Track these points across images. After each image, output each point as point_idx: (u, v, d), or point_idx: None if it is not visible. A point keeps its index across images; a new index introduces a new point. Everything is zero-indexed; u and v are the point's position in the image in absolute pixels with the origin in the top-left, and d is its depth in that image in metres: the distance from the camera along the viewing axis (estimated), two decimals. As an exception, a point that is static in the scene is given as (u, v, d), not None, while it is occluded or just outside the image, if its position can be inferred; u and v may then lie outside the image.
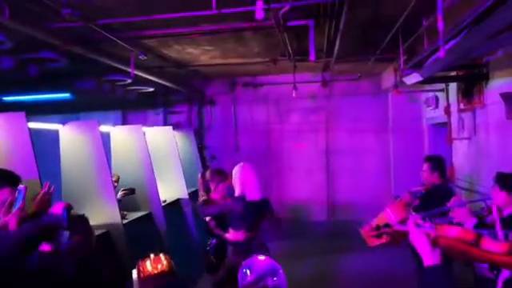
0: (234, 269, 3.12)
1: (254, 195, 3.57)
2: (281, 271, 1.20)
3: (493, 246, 1.17)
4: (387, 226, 1.69)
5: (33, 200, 2.66)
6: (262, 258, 1.23)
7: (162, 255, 2.69)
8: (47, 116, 5.71)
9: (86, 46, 4.18)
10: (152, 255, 2.70)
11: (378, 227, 1.72)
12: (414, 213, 3.13)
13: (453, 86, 5.63)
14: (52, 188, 2.76)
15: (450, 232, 1.22)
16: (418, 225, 1.34)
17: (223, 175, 4.17)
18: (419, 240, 1.34)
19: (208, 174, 4.33)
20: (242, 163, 3.75)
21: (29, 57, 4.51)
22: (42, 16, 3.51)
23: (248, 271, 1.23)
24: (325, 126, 7.94)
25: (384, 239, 1.86)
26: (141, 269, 2.40)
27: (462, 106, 5.35)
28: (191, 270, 5.65)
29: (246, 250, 3.31)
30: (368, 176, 7.80)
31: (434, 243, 1.27)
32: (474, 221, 2.46)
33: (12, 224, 2.21)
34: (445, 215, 2.59)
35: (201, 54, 5.61)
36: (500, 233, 1.73)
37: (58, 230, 2.12)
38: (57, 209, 2.18)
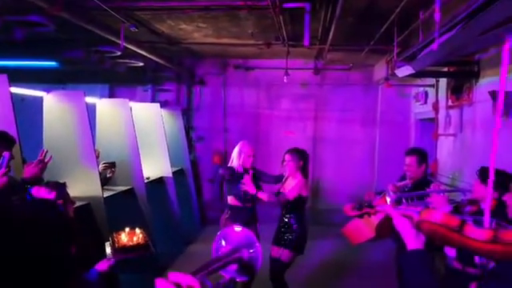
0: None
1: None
2: (257, 244, 1.17)
3: (476, 234, 1.15)
4: (370, 206, 1.67)
5: (26, 166, 2.62)
6: (238, 229, 1.21)
7: (137, 229, 2.66)
8: (32, 84, 5.57)
9: (74, 12, 4.05)
10: (127, 228, 2.67)
11: (360, 206, 1.70)
12: (392, 193, 3.14)
13: (443, 83, 5.66)
14: (48, 157, 2.71)
15: (434, 217, 1.20)
16: (397, 207, 1.31)
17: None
18: (402, 223, 1.30)
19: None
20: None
21: (15, 19, 4.36)
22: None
23: (223, 242, 1.20)
24: (314, 114, 7.93)
25: (368, 234, 1.83)
26: (116, 240, 2.38)
27: (450, 102, 5.39)
28: (171, 246, 5.67)
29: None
30: (353, 166, 7.84)
31: (418, 228, 1.25)
32: (449, 208, 2.50)
33: None
34: (422, 199, 2.61)
35: (194, 30, 5.51)
36: (486, 221, 1.73)
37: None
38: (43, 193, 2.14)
